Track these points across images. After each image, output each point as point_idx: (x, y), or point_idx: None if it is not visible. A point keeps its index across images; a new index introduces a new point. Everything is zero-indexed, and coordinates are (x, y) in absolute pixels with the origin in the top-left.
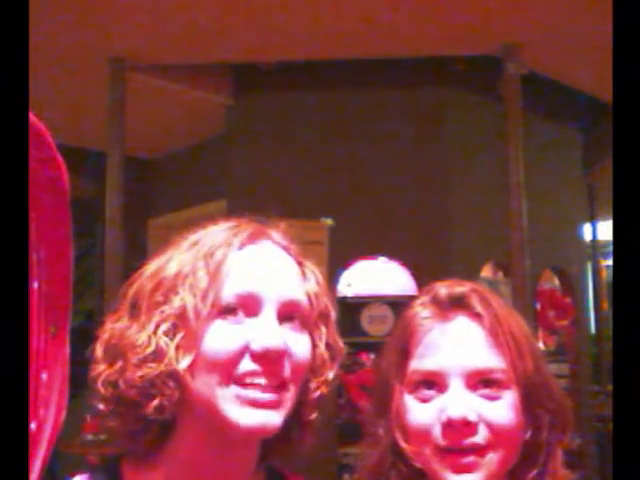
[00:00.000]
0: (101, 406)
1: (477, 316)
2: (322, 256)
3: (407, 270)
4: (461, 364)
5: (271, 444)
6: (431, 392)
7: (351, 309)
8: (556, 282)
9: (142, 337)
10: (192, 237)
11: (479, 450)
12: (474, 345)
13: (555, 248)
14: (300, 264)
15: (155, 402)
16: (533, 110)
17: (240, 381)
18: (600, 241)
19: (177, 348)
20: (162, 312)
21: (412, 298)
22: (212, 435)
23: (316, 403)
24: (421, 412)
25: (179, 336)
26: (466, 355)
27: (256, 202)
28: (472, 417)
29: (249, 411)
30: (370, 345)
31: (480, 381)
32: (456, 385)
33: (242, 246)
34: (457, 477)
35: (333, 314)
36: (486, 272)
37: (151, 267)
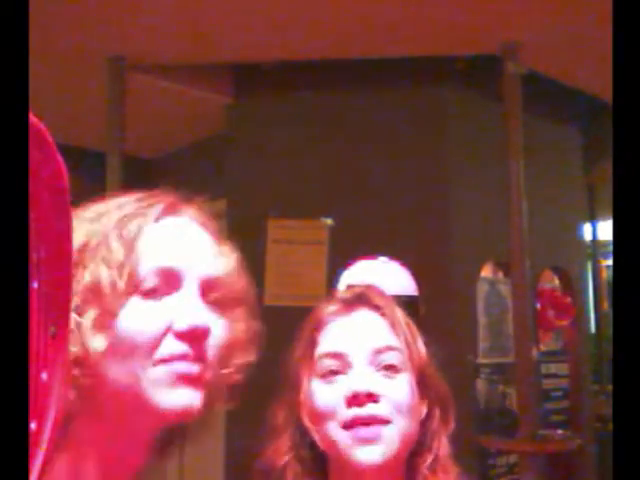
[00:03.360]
0: None
1: (377, 307)
2: (322, 256)
3: (407, 270)
4: (362, 343)
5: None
6: (336, 375)
7: None
8: (556, 282)
9: None
10: (94, 208)
11: (380, 421)
12: (374, 328)
13: (555, 248)
14: (217, 242)
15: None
16: (533, 110)
17: (165, 362)
18: (600, 241)
19: (91, 327)
20: None
21: (412, 298)
22: (122, 426)
23: (228, 390)
24: (327, 392)
25: (91, 313)
26: (366, 335)
27: (256, 202)
28: (374, 389)
29: (176, 392)
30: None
31: (380, 362)
32: (359, 363)
33: (158, 219)
34: (361, 448)
35: (251, 296)
36: (486, 272)
37: None
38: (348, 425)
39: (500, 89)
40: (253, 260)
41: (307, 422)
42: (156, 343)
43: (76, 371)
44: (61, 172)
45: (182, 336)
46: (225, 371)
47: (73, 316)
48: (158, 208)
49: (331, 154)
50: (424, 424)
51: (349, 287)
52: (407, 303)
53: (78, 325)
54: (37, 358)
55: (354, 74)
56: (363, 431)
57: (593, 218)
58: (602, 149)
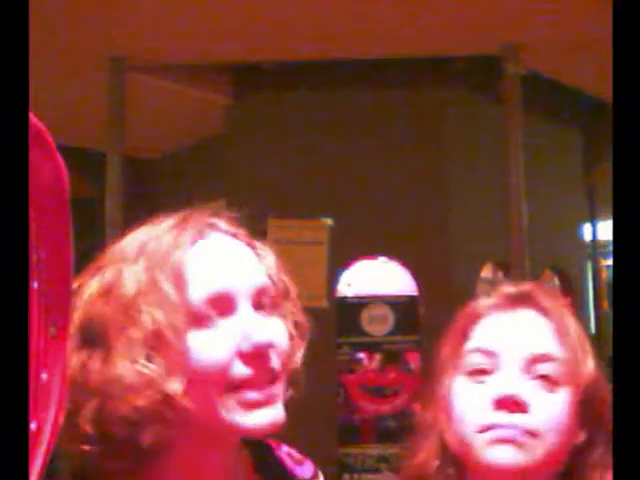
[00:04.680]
0: (86, 447)
1: (544, 310)
2: (322, 256)
3: (407, 270)
4: (519, 346)
5: None
6: (485, 375)
7: (351, 309)
8: (556, 282)
9: (120, 367)
10: (128, 247)
11: (525, 433)
12: (535, 332)
13: (555, 248)
14: (252, 247)
15: (151, 432)
16: (533, 110)
17: (236, 388)
18: (600, 241)
19: (165, 372)
20: (132, 335)
21: (412, 298)
22: (209, 441)
23: (290, 381)
24: (472, 391)
25: (162, 360)
26: (525, 338)
27: (256, 202)
28: (526, 398)
29: (253, 413)
30: (370, 345)
31: (536, 370)
32: (511, 366)
33: (193, 243)
34: (496, 447)
35: (293, 290)
36: (486, 272)
37: (94, 286)
38: (485, 429)
39: (500, 89)
40: None
41: (443, 423)
42: (226, 370)
43: (165, 409)
44: (61, 172)
45: (248, 357)
46: (290, 366)
47: (147, 364)
48: (191, 232)
49: (331, 154)
50: (580, 453)
51: (516, 284)
52: (407, 303)
53: (153, 371)
54: (37, 358)
55: (354, 74)
56: (502, 431)
57: (593, 218)
58: (602, 149)
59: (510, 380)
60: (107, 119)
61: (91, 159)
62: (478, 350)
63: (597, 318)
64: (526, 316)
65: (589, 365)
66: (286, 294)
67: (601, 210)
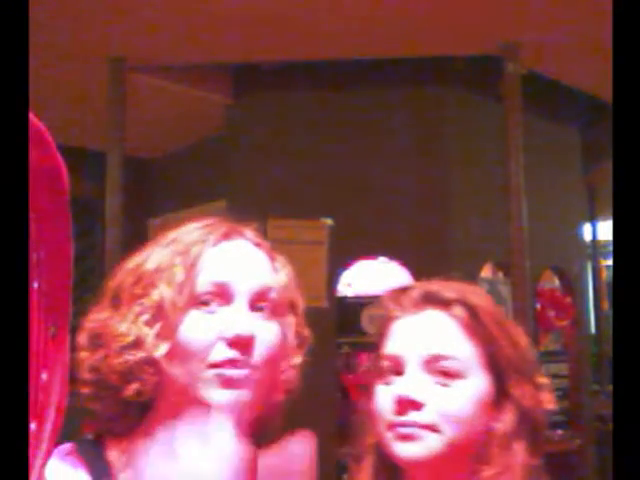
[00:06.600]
0: (84, 390)
1: (446, 306)
2: (322, 256)
3: (407, 270)
4: (417, 347)
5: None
6: (394, 377)
7: (351, 309)
8: (556, 282)
9: (123, 327)
10: (170, 235)
11: (422, 427)
12: (434, 332)
13: (555, 248)
14: (272, 259)
15: (134, 386)
16: (533, 110)
17: (216, 366)
18: (600, 241)
19: (156, 337)
20: (142, 304)
21: None
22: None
23: (284, 385)
24: (382, 394)
25: (157, 326)
26: (422, 340)
27: (256, 202)
28: (418, 397)
29: (224, 392)
30: (370, 345)
31: (435, 367)
32: (412, 368)
33: (216, 243)
34: (400, 445)
35: (301, 305)
36: (486, 272)
37: (132, 262)
38: (390, 427)
39: (500, 89)
40: None
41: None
42: (209, 349)
43: (149, 370)
44: (61, 172)
45: (230, 343)
46: (281, 369)
47: (144, 328)
48: (217, 234)
49: (331, 154)
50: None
51: (422, 285)
52: None
53: (146, 335)
54: (37, 358)
55: (354, 74)
56: (401, 429)
57: (593, 218)
58: (602, 149)
59: (406, 381)
60: (107, 119)
61: (91, 159)
62: (386, 356)
63: (597, 318)
64: (428, 316)
65: (508, 350)
66: (293, 307)
67: (601, 210)
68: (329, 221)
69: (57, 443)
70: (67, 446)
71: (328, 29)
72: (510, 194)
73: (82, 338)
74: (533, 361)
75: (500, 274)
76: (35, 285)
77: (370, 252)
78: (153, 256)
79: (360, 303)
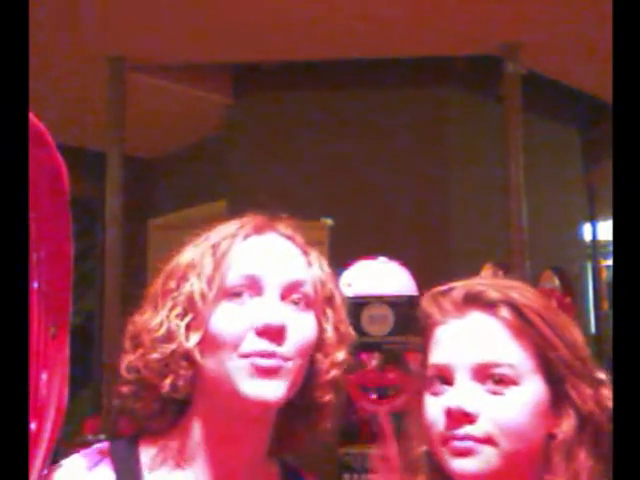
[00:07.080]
0: (124, 389)
1: (491, 308)
2: (322, 256)
3: (407, 270)
4: (464, 356)
5: (290, 427)
6: (443, 386)
7: (351, 309)
8: (556, 282)
9: (155, 321)
10: (205, 234)
11: (477, 440)
12: (483, 338)
13: (555, 248)
14: (305, 253)
15: (169, 380)
16: (533, 110)
17: (247, 356)
18: (600, 241)
19: (186, 328)
20: (174, 298)
21: (412, 298)
22: (223, 411)
23: (329, 385)
24: (432, 406)
25: (188, 318)
26: (471, 347)
27: (256, 202)
28: (470, 408)
29: (257, 382)
30: (370, 345)
31: (487, 375)
32: (461, 377)
33: (247, 237)
34: (456, 461)
35: (339, 299)
36: (486, 272)
37: (169, 264)
38: (444, 441)
39: (500, 89)
40: None
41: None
42: (240, 340)
43: (183, 364)
44: (61, 172)
45: (260, 333)
46: (322, 367)
47: (175, 320)
48: (248, 228)
49: (331, 154)
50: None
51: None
52: (407, 303)
53: (177, 327)
54: (37, 358)
55: (354, 74)
56: (457, 444)
57: (593, 218)
58: (602, 149)
59: (457, 391)
60: (107, 119)
61: (91, 159)
62: (433, 365)
63: (597, 318)
64: (474, 320)
65: (564, 353)
66: (329, 301)
67: (601, 210)
68: (329, 221)
69: (56, 443)
70: (101, 445)
71: (328, 29)
72: (510, 194)
73: (125, 342)
74: (589, 358)
75: (500, 274)
76: (35, 285)
77: (370, 252)
78: (187, 253)
79: (360, 303)
